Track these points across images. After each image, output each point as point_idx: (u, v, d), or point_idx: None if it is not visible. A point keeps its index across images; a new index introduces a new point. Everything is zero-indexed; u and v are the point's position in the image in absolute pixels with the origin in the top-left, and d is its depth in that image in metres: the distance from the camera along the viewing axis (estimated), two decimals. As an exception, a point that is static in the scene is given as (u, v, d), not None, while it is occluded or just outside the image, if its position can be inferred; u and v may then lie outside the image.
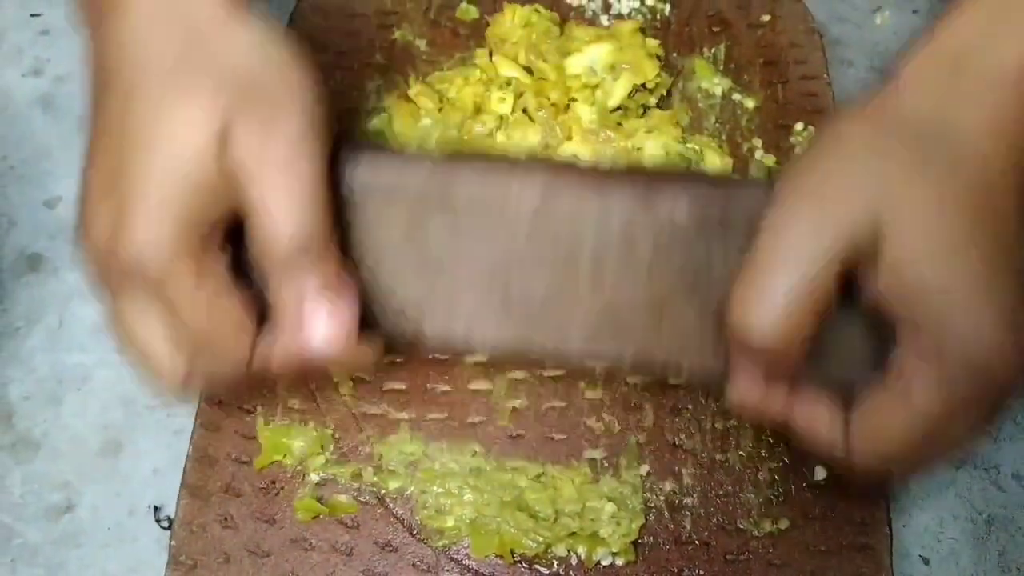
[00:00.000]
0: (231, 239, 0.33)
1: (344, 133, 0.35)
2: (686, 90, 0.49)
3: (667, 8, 0.51)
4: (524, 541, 0.38)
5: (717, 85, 0.49)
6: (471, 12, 0.50)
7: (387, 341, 0.36)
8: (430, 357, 0.42)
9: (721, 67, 0.49)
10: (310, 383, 0.41)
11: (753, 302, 0.31)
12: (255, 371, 0.33)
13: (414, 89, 0.48)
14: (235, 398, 0.41)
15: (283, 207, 0.31)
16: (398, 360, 0.42)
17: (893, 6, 0.56)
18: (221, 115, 0.31)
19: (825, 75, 0.49)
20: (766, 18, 0.51)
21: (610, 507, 0.39)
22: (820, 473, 0.40)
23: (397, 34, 0.50)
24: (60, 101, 0.52)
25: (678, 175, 0.39)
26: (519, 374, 0.42)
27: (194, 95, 0.31)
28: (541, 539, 0.38)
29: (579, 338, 0.35)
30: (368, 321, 0.35)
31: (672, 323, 0.35)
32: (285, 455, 0.40)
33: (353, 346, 0.33)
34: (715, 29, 0.51)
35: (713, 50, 0.50)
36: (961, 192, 0.30)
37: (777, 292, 0.31)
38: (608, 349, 0.36)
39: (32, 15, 0.54)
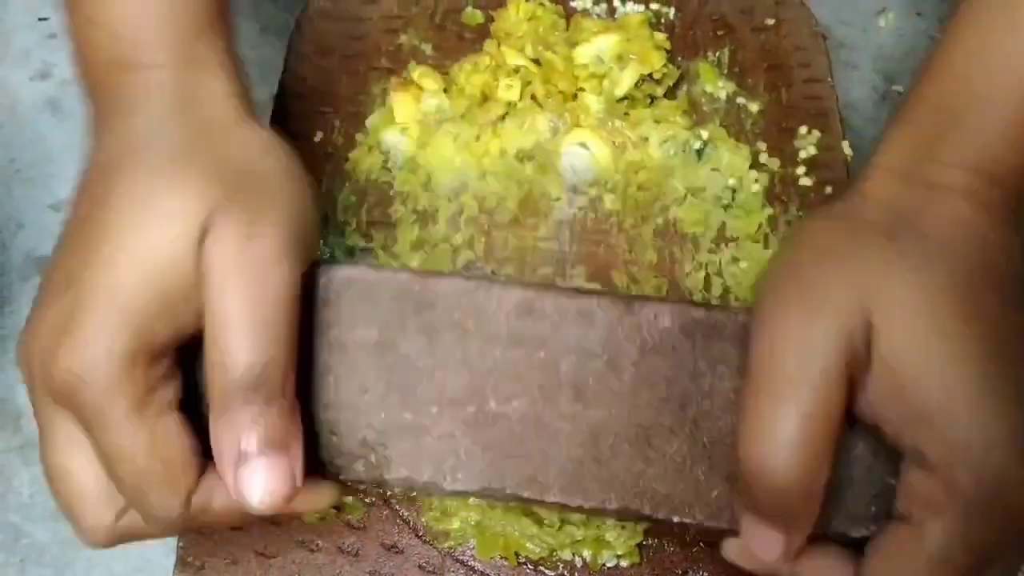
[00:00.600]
0: (182, 362, 0.30)
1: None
2: (690, 93, 0.49)
3: (671, 12, 0.51)
4: (529, 546, 0.38)
5: (721, 89, 0.49)
6: (476, 16, 0.51)
7: (345, 479, 0.33)
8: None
9: (725, 71, 0.49)
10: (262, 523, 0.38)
11: (764, 433, 0.28)
12: (193, 518, 0.30)
13: (417, 72, 0.48)
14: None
15: (244, 329, 0.28)
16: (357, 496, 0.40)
17: (897, 9, 0.56)
18: (206, 209, 0.29)
19: (829, 78, 0.49)
20: (770, 22, 0.51)
21: None
22: None
23: (403, 38, 0.50)
24: (67, 105, 0.52)
25: (660, 297, 0.38)
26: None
27: (181, 184, 0.29)
28: (546, 545, 0.38)
29: (559, 480, 0.33)
30: (330, 440, 0.33)
31: (660, 461, 0.32)
32: None
33: (293, 502, 0.30)
34: (719, 33, 0.51)
35: (717, 54, 0.50)
36: (941, 274, 0.29)
37: (789, 417, 0.28)
38: (591, 494, 0.33)
39: (40, 19, 0.55)
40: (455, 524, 0.39)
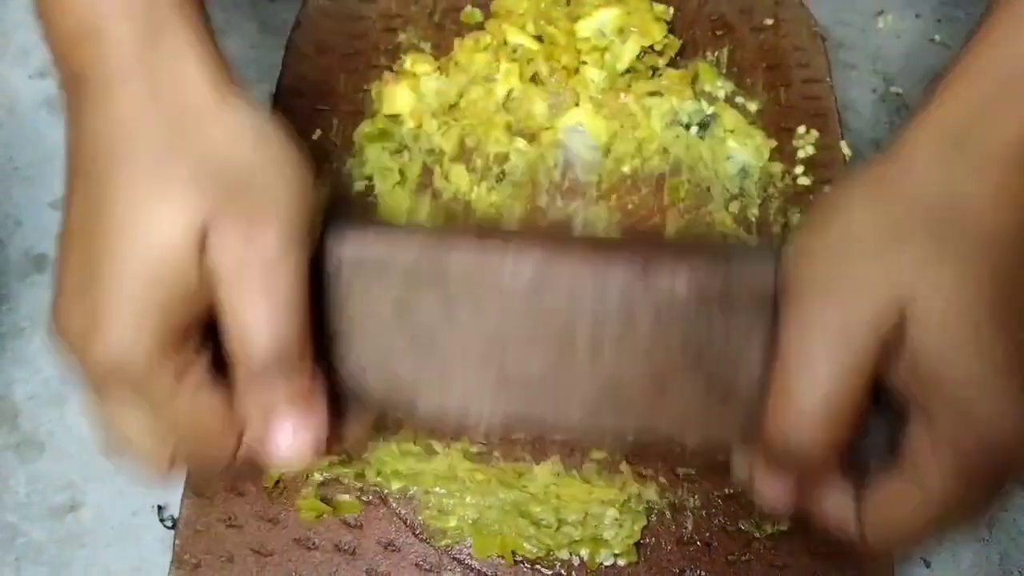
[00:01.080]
0: (211, 334, 0.31)
1: (332, 209, 0.33)
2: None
3: (670, 12, 0.51)
4: (526, 545, 0.38)
5: (720, 88, 0.49)
6: (475, 15, 0.51)
7: (378, 417, 0.35)
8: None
9: (724, 71, 0.49)
10: None
11: (790, 414, 0.30)
12: (245, 465, 0.32)
13: (408, 60, 0.48)
14: (225, 485, 0.40)
15: (259, 317, 0.29)
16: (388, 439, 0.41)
17: (896, 10, 0.56)
18: (203, 213, 0.29)
19: (828, 79, 0.49)
20: (769, 22, 0.51)
21: (612, 511, 0.39)
22: None
23: (402, 37, 0.50)
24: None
25: (676, 247, 0.37)
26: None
27: (173, 189, 0.29)
28: (544, 545, 0.38)
29: (579, 413, 0.34)
30: (357, 395, 0.34)
31: (674, 397, 0.33)
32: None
33: (320, 456, 0.32)
34: (718, 33, 0.51)
35: (716, 54, 0.50)
36: (982, 273, 0.29)
37: (815, 404, 0.29)
38: (609, 423, 0.34)
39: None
40: (452, 522, 0.39)
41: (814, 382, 0.29)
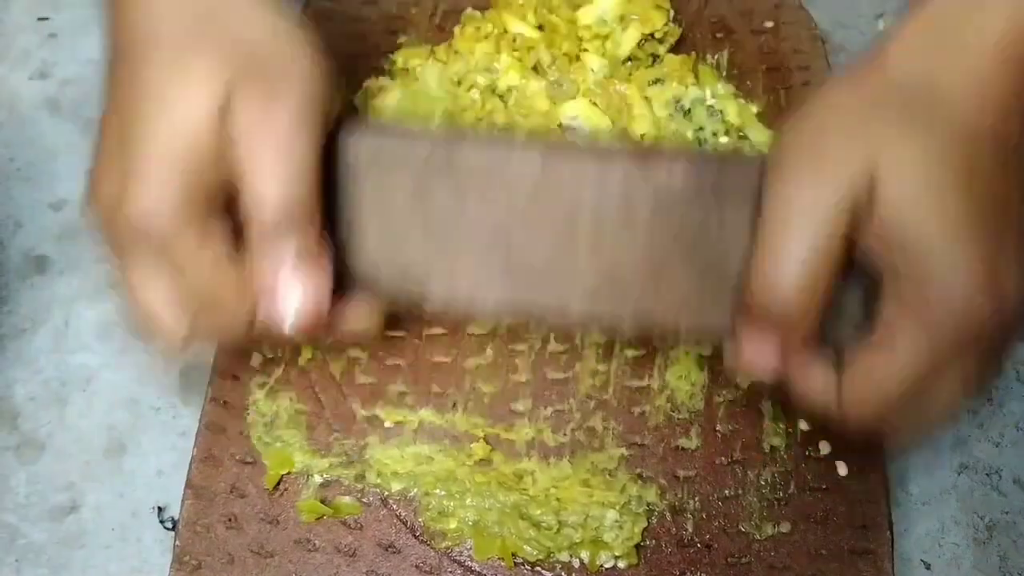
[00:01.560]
0: (232, 214, 0.34)
1: (349, 107, 0.36)
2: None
3: (671, 14, 0.51)
4: (526, 548, 0.38)
5: (720, 91, 0.49)
6: (476, 18, 0.51)
7: (390, 304, 0.37)
8: (430, 332, 0.43)
9: (724, 73, 0.50)
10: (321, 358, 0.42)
11: (773, 267, 0.32)
12: (255, 334, 0.35)
13: (400, 58, 0.49)
14: (239, 357, 0.42)
15: (271, 177, 0.32)
16: (399, 334, 0.42)
17: (896, 13, 0.56)
18: (224, 88, 0.32)
19: (828, 81, 0.49)
20: (769, 24, 0.51)
21: (612, 514, 0.39)
22: (843, 469, 0.40)
23: (403, 39, 0.50)
24: (66, 104, 0.52)
25: (674, 149, 0.40)
26: (523, 376, 0.42)
27: (200, 68, 0.32)
28: (544, 547, 0.38)
29: (579, 299, 0.36)
30: (371, 285, 0.36)
31: (670, 284, 0.36)
32: (290, 469, 0.40)
33: (323, 316, 0.34)
34: (718, 35, 0.51)
35: (716, 56, 0.50)
36: (947, 146, 0.31)
37: (795, 255, 0.32)
38: (608, 309, 0.36)
39: (39, 19, 0.55)
40: (452, 524, 0.39)
41: (793, 241, 0.32)
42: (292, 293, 0.33)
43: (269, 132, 0.32)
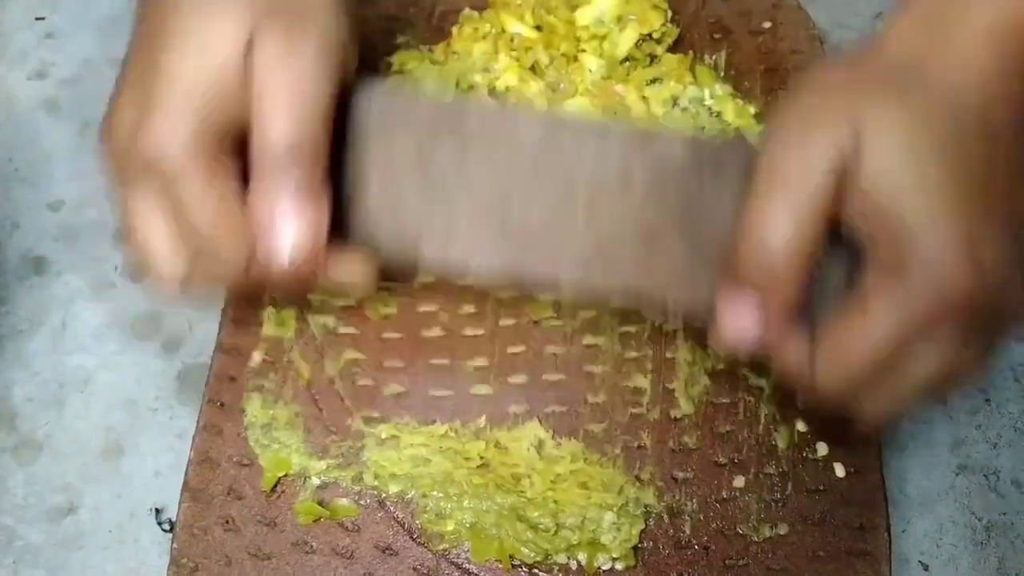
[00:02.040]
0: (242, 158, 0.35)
1: (365, 64, 0.37)
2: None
3: (668, 14, 0.51)
4: (524, 550, 0.38)
5: (718, 91, 0.49)
6: (475, 19, 0.51)
7: (385, 261, 0.38)
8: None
9: (722, 73, 0.49)
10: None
11: (760, 225, 0.33)
12: (252, 279, 0.35)
13: (398, 61, 0.49)
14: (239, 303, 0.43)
15: (284, 110, 0.33)
16: (392, 288, 0.43)
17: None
18: (248, 27, 0.33)
19: (826, 82, 0.49)
20: (767, 25, 0.51)
21: (610, 516, 0.39)
22: (840, 471, 0.40)
23: (400, 39, 0.50)
24: (64, 104, 0.52)
25: (675, 129, 0.41)
26: (521, 378, 0.42)
27: (228, 9, 0.34)
28: (541, 550, 0.38)
29: (572, 268, 0.37)
30: (368, 243, 0.37)
31: (662, 257, 0.36)
32: (287, 472, 0.40)
33: (320, 256, 0.35)
34: (716, 36, 0.51)
35: (714, 56, 0.50)
36: (932, 120, 0.32)
37: (783, 213, 0.32)
38: (599, 282, 0.37)
39: (37, 18, 0.55)
40: (450, 526, 0.39)
41: (780, 200, 0.32)
42: (290, 225, 0.34)
43: (287, 68, 0.33)
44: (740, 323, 0.34)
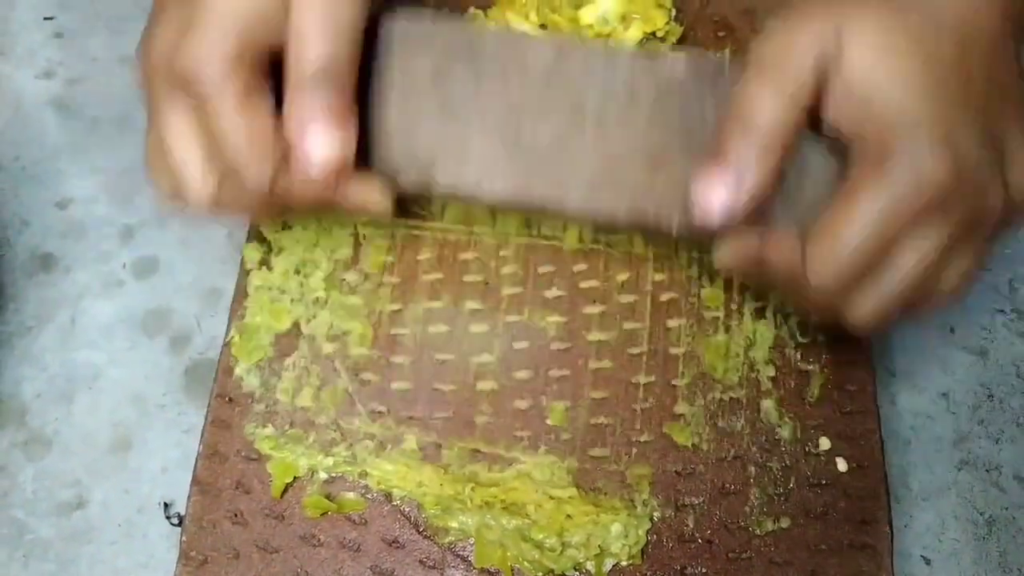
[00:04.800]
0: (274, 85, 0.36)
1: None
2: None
3: (672, 13, 0.51)
4: (527, 564, 0.38)
5: (721, 89, 0.49)
6: (479, 19, 0.51)
7: (399, 185, 0.38)
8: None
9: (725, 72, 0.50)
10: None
11: (743, 108, 0.34)
12: (277, 199, 0.36)
13: None
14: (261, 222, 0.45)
15: (317, 33, 0.34)
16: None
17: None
18: None
19: (829, 79, 0.49)
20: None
21: (617, 526, 0.39)
22: (842, 465, 0.40)
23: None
24: (72, 103, 0.52)
25: (680, 50, 0.42)
26: (525, 374, 0.42)
27: None
28: (545, 568, 0.38)
29: (578, 189, 0.38)
30: (386, 166, 0.38)
31: (667, 178, 0.38)
32: (295, 475, 0.40)
33: (347, 170, 0.36)
34: (720, 34, 0.51)
35: (718, 55, 0.50)
36: (913, 20, 0.33)
37: (766, 97, 0.34)
38: (605, 203, 0.38)
39: (45, 18, 0.55)
40: (455, 522, 0.39)
41: (767, 81, 0.34)
42: (322, 136, 0.35)
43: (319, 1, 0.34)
44: (715, 195, 0.35)
